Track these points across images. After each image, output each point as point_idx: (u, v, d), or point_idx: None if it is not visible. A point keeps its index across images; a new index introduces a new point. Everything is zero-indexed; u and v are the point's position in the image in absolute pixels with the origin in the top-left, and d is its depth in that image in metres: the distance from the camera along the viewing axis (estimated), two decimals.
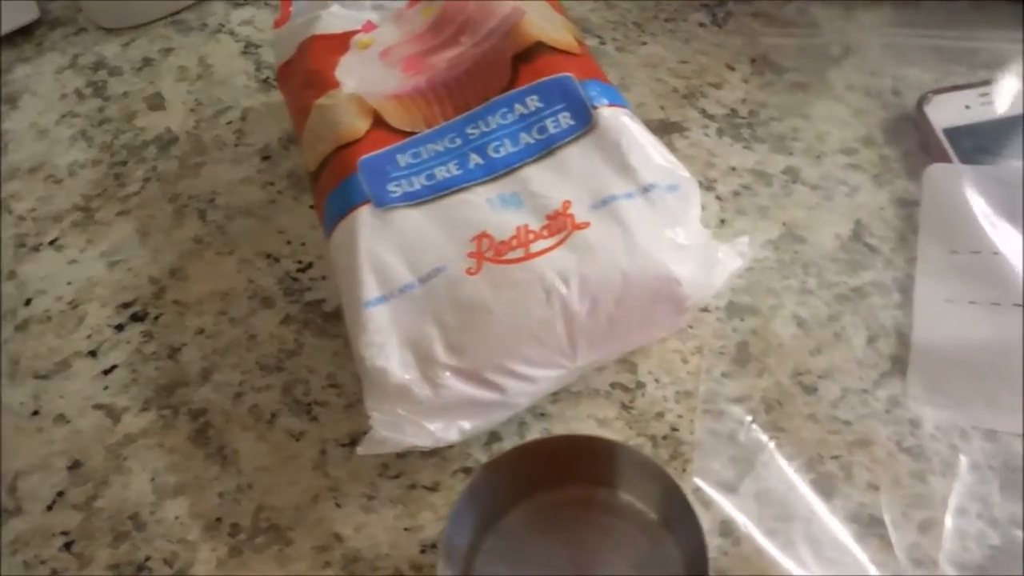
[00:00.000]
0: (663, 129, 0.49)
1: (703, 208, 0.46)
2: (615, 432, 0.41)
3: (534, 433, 0.41)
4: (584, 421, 0.41)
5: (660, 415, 0.41)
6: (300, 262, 0.47)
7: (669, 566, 0.36)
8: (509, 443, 0.41)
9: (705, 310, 0.43)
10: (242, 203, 0.50)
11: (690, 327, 0.43)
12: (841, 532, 0.37)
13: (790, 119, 0.49)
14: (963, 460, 0.38)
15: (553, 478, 0.38)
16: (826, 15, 0.52)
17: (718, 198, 0.47)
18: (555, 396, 0.42)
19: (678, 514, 0.34)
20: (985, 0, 0.51)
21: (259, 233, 0.49)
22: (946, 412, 0.39)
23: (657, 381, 0.42)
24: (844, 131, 0.48)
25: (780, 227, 0.45)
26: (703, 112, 0.49)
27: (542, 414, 0.42)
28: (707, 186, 0.47)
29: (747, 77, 0.50)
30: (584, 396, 0.42)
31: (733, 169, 0.47)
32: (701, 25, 0.53)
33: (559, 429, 0.41)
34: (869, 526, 0.38)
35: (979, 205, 0.43)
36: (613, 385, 0.42)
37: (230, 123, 0.53)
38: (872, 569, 0.36)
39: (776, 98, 0.49)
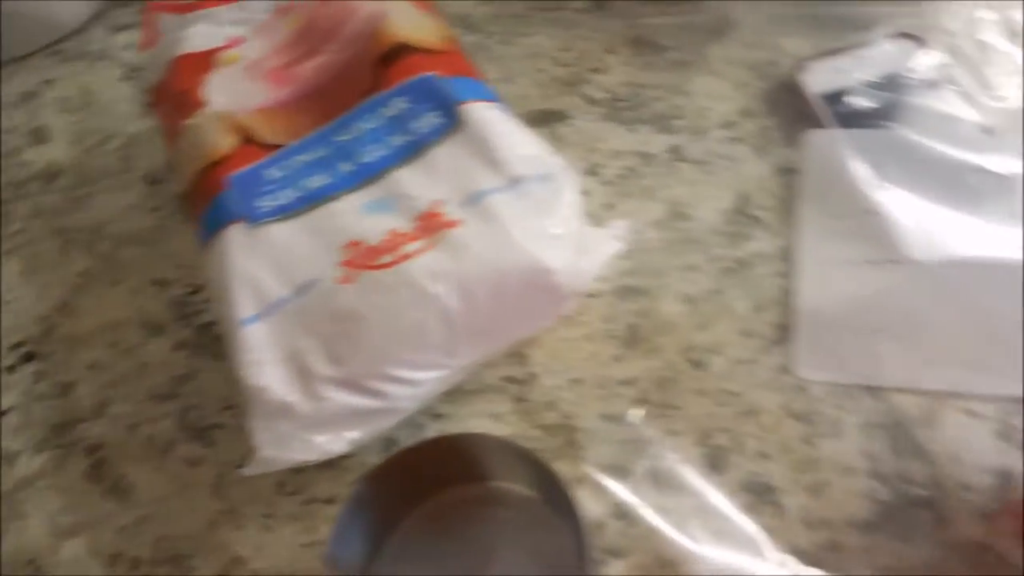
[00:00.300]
0: (547, 118, 0.49)
1: (588, 194, 0.46)
2: (509, 425, 0.41)
3: (430, 435, 0.41)
4: (479, 418, 0.41)
5: (553, 404, 0.41)
6: (190, 285, 0.47)
7: (564, 553, 0.36)
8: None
9: (593, 295, 0.44)
10: (129, 231, 0.49)
11: (579, 314, 0.43)
12: (733, 503, 0.38)
13: (671, 97, 0.49)
14: (850, 420, 0.39)
15: (444, 479, 0.38)
16: None
17: (603, 182, 0.47)
18: (449, 395, 0.42)
19: (561, 502, 0.34)
20: None
21: (148, 260, 0.48)
22: (831, 374, 0.40)
23: (549, 371, 0.42)
24: (725, 105, 0.48)
25: (665, 206, 0.45)
26: (586, 98, 0.50)
27: (437, 415, 0.41)
28: (592, 171, 0.47)
29: (628, 59, 0.51)
30: (477, 393, 0.42)
31: (617, 152, 0.47)
32: (581, 11, 0.53)
33: (454, 428, 0.41)
34: (762, 494, 0.38)
35: (855, 167, 0.43)
36: (505, 379, 0.42)
37: (115, 150, 0.52)
38: (762, 536, 0.37)
39: (657, 77, 0.49)
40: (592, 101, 0.49)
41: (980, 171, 0.42)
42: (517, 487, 0.38)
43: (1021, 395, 0.38)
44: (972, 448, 0.38)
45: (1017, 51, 0.46)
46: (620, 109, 0.49)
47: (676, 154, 0.47)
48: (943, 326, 0.40)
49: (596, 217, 0.45)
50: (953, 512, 0.37)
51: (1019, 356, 0.39)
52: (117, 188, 0.51)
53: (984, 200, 0.42)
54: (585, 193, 0.46)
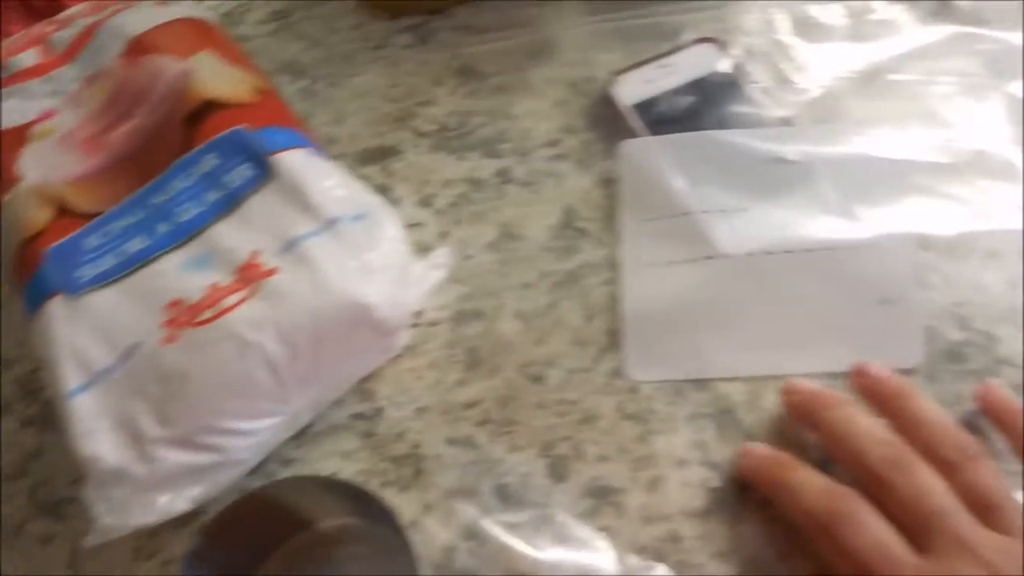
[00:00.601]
0: (379, 155, 0.50)
1: (422, 225, 0.47)
2: (359, 462, 0.41)
3: None
4: (329, 459, 0.42)
5: (401, 435, 0.42)
6: (34, 362, 0.46)
7: None
8: None
9: (433, 323, 0.45)
10: None
11: (422, 343, 0.44)
12: (577, 508, 0.39)
13: (496, 122, 0.50)
14: (680, 414, 0.41)
15: (295, 523, 0.38)
16: (521, 16, 0.54)
17: (436, 212, 0.48)
18: (298, 440, 0.42)
19: (396, 532, 0.34)
20: None
21: None
22: (660, 372, 0.42)
23: (395, 403, 0.43)
24: (547, 124, 0.50)
25: (497, 228, 0.47)
26: (415, 131, 0.51)
27: (288, 461, 0.42)
28: (425, 203, 0.48)
29: (453, 89, 0.52)
30: (326, 433, 0.42)
31: (448, 181, 0.49)
32: (406, 47, 0.54)
33: (305, 471, 0.41)
34: (603, 496, 0.39)
35: (668, 172, 0.45)
36: (353, 416, 0.43)
37: None
38: (601, 538, 0.38)
39: (482, 104, 0.51)
40: (422, 134, 0.51)
41: (782, 161, 0.44)
42: (365, 524, 0.39)
43: (831, 370, 0.41)
44: (794, 427, 0.40)
45: (809, 45, 0.49)
46: (449, 139, 0.50)
47: (504, 177, 0.48)
48: (757, 314, 0.42)
49: (430, 247, 0.46)
50: None
51: (828, 334, 0.41)
52: None
53: (787, 189, 0.44)
54: (419, 224, 0.48)
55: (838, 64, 0.48)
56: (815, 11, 0.50)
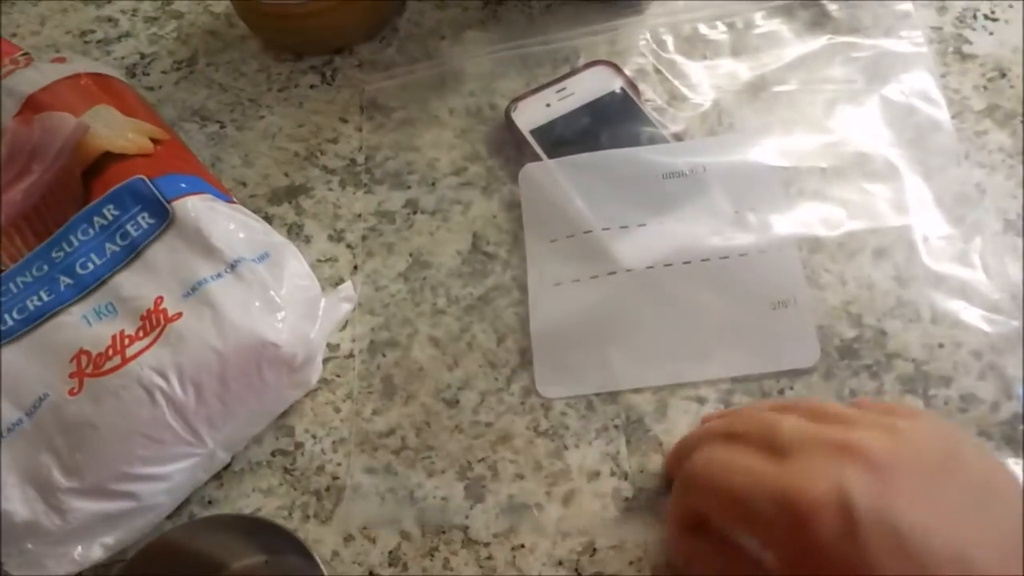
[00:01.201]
0: (290, 193, 0.51)
1: (335, 260, 0.48)
2: (280, 497, 0.42)
3: None
4: (251, 496, 0.42)
5: (321, 468, 0.42)
6: None
7: None
8: None
9: (350, 355, 0.45)
10: None
11: (337, 375, 0.45)
12: (495, 527, 0.40)
13: (403, 154, 0.51)
14: (591, 427, 0.42)
15: (206, 566, 0.39)
16: (422, 50, 0.55)
17: (348, 246, 0.49)
18: (219, 479, 0.42)
19: (311, 566, 0.35)
20: (556, 2, 0.56)
21: None
22: (570, 388, 0.43)
23: (314, 437, 0.43)
24: (452, 153, 0.51)
25: (407, 258, 0.48)
26: (324, 168, 0.51)
27: (209, 501, 0.42)
28: (337, 237, 0.49)
29: (360, 125, 0.53)
30: (247, 472, 0.43)
31: (359, 215, 0.49)
32: (312, 87, 0.55)
33: (226, 511, 0.42)
34: (519, 512, 0.40)
35: (568, 192, 0.46)
36: (274, 453, 0.43)
37: None
38: (520, 556, 0.39)
39: (388, 138, 0.52)
40: (330, 170, 0.51)
41: (676, 175, 0.46)
42: (286, 556, 0.39)
43: (732, 375, 0.42)
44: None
45: (697, 62, 0.51)
46: (357, 174, 0.51)
47: (413, 207, 0.49)
48: (660, 325, 0.43)
49: (344, 280, 0.47)
50: None
51: (727, 340, 0.43)
52: None
53: (682, 202, 0.45)
54: (331, 259, 0.49)
55: (725, 79, 0.50)
56: (702, 29, 0.52)
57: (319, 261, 0.48)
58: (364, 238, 0.49)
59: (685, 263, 0.44)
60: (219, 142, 0.54)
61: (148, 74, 0.57)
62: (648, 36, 0.52)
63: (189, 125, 0.54)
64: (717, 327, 0.43)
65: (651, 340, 0.43)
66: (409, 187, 0.50)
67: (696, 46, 0.52)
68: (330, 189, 0.51)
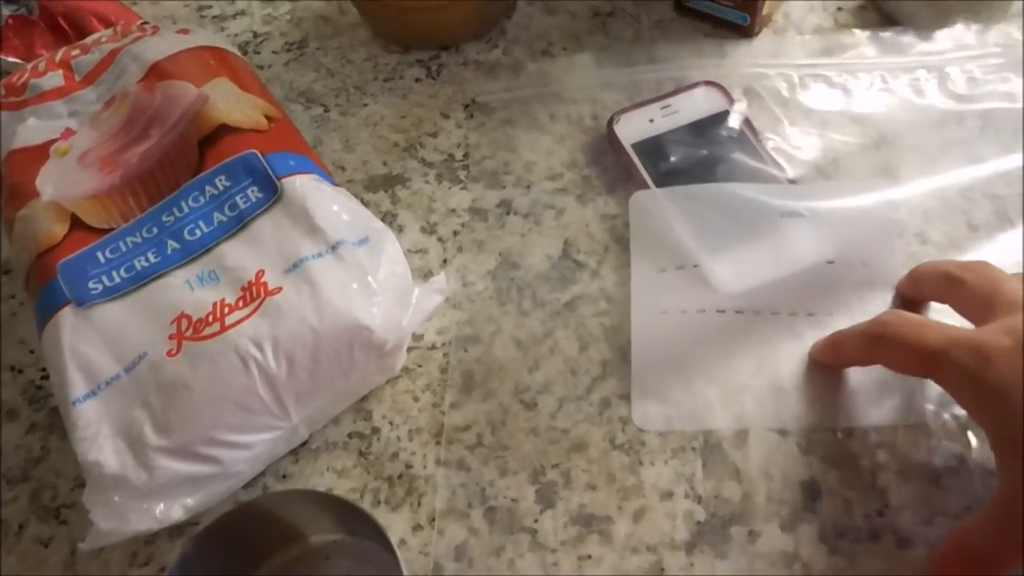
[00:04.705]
0: (387, 182, 0.52)
1: (425, 251, 0.49)
2: (353, 479, 0.42)
3: None
4: (324, 475, 0.43)
5: (395, 455, 0.43)
6: (43, 369, 0.48)
7: None
8: None
9: (433, 347, 0.46)
10: None
11: (419, 365, 0.45)
12: (564, 535, 0.40)
13: (501, 155, 0.52)
14: (668, 446, 0.41)
15: (283, 535, 0.39)
16: (528, 54, 0.56)
17: (440, 239, 0.49)
18: (295, 455, 0.43)
19: (386, 550, 0.35)
20: (665, 19, 0.56)
21: (2, 346, 0.49)
22: (667, 422, 0.42)
23: (391, 423, 0.44)
24: (550, 159, 0.51)
25: (497, 257, 0.48)
26: (422, 161, 0.52)
27: (284, 475, 0.43)
28: (429, 230, 0.50)
29: (460, 122, 0.54)
30: (323, 450, 0.43)
31: (452, 210, 0.50)
32: (417, 80, 0.56)
33: (300, 487, 0.42)
34: (589, 524, 0.40)
35: (677, 223, 0.46)
36: (350, 435, 0.44)
37: None
38: (586, 567, 0.39)
39: (487, 137, 0.52)
40: (428, 163, 0.52)
41: (792, 214, 0.45)
42: (358, 539, 0.40)
43: (829, 426, 0.41)
44: (779, 463, 0.41)
45: (804, 106, 0.51)
46: (455, 169, 0.52)
47: (506, 208, 0.50)
48: (762, 367, 0.43)
49: (433, 272, 0.48)
50: (762, 525, 0.39)
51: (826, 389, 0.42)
52: None
53: (795, 244, 0.45)
54: (423, 251, 0.49)
55: (839, 123, 0.50)
56: (824, 71, 0.52)
57: (410, 251, 0.49)
58: (456, 233, 0.49)
59: (792, 315, 0.43)
60: (322, 125, 0.55)
61: (259, 52, 0.59)
62: (759, 66, 0.52)
63: (294, 106, 0.56)
64: (820, 376, 0.42)
65: (751, 382, 0.42)
66: (504, 187, 0.51)
67: (797, 87, 0.51)
68: (426, 182, 0.52)
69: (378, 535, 0.35)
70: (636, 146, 0.49)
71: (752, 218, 0.46)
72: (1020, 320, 0.34)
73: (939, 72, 0.51)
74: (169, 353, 0.38)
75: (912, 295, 0.44)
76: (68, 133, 0.46)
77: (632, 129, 0.50)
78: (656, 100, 0.51)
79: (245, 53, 0.58)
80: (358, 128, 0.54)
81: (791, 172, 0.48)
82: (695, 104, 0.51)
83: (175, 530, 0.42)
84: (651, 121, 0.50)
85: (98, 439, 0.38)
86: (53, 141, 0.46)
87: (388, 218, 0.50)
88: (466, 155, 0.52)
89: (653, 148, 0.49)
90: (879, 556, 0.38)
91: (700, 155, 0.48)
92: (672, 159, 0.48)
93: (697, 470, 0.41)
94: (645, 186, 0.48)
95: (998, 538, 0.34)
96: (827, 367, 0.42)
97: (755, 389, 0.42)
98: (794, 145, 0.49)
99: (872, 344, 0.39)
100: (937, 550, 0.36)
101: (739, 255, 0.45)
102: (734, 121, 0.49)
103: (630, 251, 0.47)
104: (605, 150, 0.51)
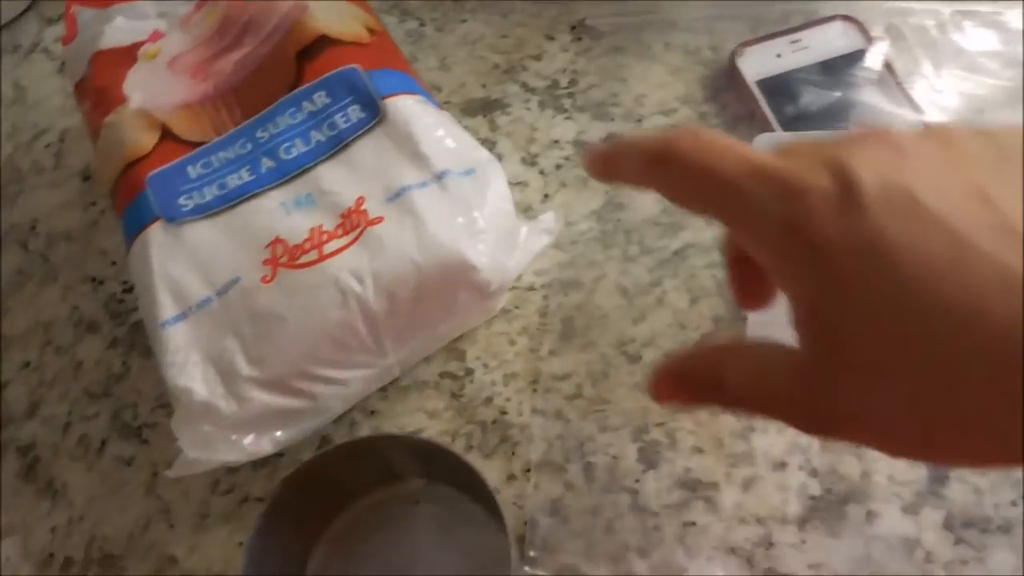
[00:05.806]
0: (485, 107, 0.48)
1: (525, 184, 0.46)
2: (444, 422, 0.40)
3: (364, 431, 0.40)
4: (413, 415, 0.41)
5: (489, 400, 0.41)
6: (126, 283, 0.46)
7: (492, 551, 0.36)
8: None
9: (531, 288, 0.43)
10: (64, 228, 0.48)
11: (516, 307, 0.43)
12: (666, 499, 0.38)
13: (609, 84, 0.48)
14: None
15: (366, 480, 0.38)
16: None
17: (541, 172, 0.46)
18: (384, 392, 0.41)
19: (486, 500, 0.33)
20: None
21: (82, 257, 0.47)
22: None
23: (485, 366, 0.42)
24: (663, 92, 0.47)
25: (602, 196, 0.45)
26: (524, 86, 0.49)
27: (372, 412, 0.41)
28: (530, 161, 0.46)
29: (566, 46, 0.50)
30: (413, 389, 0.41)
31: (555, 142, 0.47)
32: None
33: (388, 425, 0.41)
34: (695, 489, 0.38)
35: None
36: (442, 375, 0.42)
37: (48, 146, 0.51)
38: (690, 534, 0.37)
39: (595, 64, 0.48)
40: (531, 89, 0.49)
41: None
42: (449, 487, 0.38)
43: None
44: None
45: (949, 41, 0.46)
46: (559, 97, 0.48)
47: None
48: None
49: (533, 207, 0.45)
50: (882, 506, 0.37)
51: None
52: (50, 185, 0.50)
53: None
54: (522, 184, 0.46)
55: (993, 67, 0.45)
56: (978, 7, 0.47)
57: (508, 184, 0.46)
58: (559, 167, 0.46)
59: None
60: (417, 40, 0.51)
61: None
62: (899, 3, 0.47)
63: (388, 18, 0.52)
64: None
65: None
66: (612, 119, 0.47)
67: (947, 25, 0.46)
68: (528, 109, 0.48)
69: (475, 487, 0.33)
70: (761, 83, 0.45)
71: None
72: (840, 148, 0.23)
73: None
74: (264, 280, 0.36)
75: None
76: (157, 35, 0.43)
77: (757, 64, 0.46)
78: (785, 33, 0.46)
79: None
80: (455, 46, 0.51)
81: (933, 121, 0.44)
82: (829, 40, 0.46)
83: (258, 460, 0.40)
84: (778, 56, 0.46)
85: (187, 365, 0.36)
86: (141, 43, 0.43)
87: (486, 146, 0.46)
88: (571, 82, 0.48)
89: (780, 86, 0.45)
90: (1010, 550, 0.35)
91: (832, 97, 0.44)
92: (801, 100, 0.44)
93: (813, 442, 0.38)
94: (769, 128, 0.44)
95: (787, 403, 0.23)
96: (598, 178, 0.30)
97: None
98: (936, 89, 0.45)
99: (652, 162, 0.26)
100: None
101: None
102: (873, 61, 0.45)
103: None
104: (725, 86, 0.47)
